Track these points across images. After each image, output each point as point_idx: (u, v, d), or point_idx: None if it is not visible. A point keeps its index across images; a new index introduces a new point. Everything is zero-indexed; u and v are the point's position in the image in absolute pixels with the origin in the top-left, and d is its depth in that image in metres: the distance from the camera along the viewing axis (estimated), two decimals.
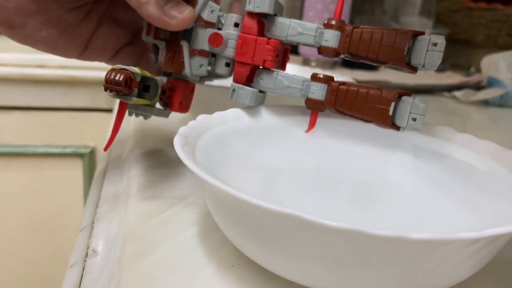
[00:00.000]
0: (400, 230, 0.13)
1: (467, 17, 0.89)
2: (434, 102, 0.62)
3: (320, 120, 0.27)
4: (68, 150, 0.67)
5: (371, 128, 0.27)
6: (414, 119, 0.23)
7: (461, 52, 0.91)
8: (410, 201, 0.23)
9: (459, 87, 0.67)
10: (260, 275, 0.19)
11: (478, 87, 0.68)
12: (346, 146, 0.27)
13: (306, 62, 0.72)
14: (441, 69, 0.82)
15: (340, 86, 0.25)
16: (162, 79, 0.28)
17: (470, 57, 0.87)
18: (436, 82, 0.68)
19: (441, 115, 0.54)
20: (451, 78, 0.73)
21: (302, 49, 0.72)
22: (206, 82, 0.31)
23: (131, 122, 0.39)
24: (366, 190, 0.24)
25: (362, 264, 0.15)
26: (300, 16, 0.75)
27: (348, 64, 0.74)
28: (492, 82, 0.65)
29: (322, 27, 0.26)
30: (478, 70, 0.75)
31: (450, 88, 0.66)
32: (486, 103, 0.63)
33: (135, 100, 0.23)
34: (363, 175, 0.25)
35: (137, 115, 0.28)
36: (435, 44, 0.23)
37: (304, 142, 0.27)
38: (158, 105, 0.29)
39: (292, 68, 0.57)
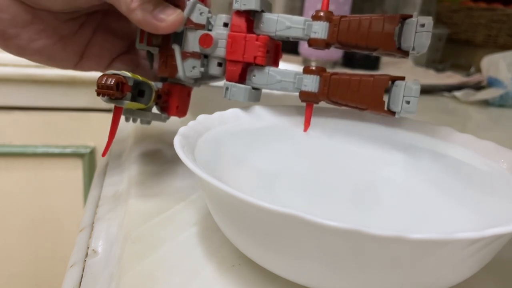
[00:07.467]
0: (400, 230, 0.13)
1: (467, 17, 0.90)
2: (434, 102, 0.62)
3: (321, 121, 0.27)
4: (68, 150, 0.67)
5: (370, 128, 0.27)
6: (408, 102, 0.23)
7: (461, 52, 0.91)
8: (410, 201, 0.23)
9: (459, 87, 0.67)
10: (260, 275, 0.19)
11: (478, 87, 0.68)
12: (346, 146, 0.27)
13: (306, 62, 0.72)
14: (441, 69, 0.82)
15: (332, 76, 0.25)
16: (157, 85, 0.28)
17: (470, 57, 0.87)
18: (436, 82, 0.68)
19: (441, 115, 0.54)
20: (451, 78, 0.72)
21: (302, 49, 0.72)
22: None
23: (131, 122, 0.39)
24: (365, 190, 0.24)
25: (362, 264, 0.15)
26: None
27: (348, 64, 0.74)
28: (492, 82, 0.65)
29: (310, 19, 0.26)
30: (478, 70, 0.75)
31: (450, 88, 0.66)
32: (486, 103, 0.63)
33: (128, 104, 0.23)
34: (362, 175, 0.25)
35: (134, 121, 0.28)
36: (422, 25, 0.23)
37: (305, 142, 0.27)
38: (155, 110, 0.29)
39: (292, 68, 0.57)
